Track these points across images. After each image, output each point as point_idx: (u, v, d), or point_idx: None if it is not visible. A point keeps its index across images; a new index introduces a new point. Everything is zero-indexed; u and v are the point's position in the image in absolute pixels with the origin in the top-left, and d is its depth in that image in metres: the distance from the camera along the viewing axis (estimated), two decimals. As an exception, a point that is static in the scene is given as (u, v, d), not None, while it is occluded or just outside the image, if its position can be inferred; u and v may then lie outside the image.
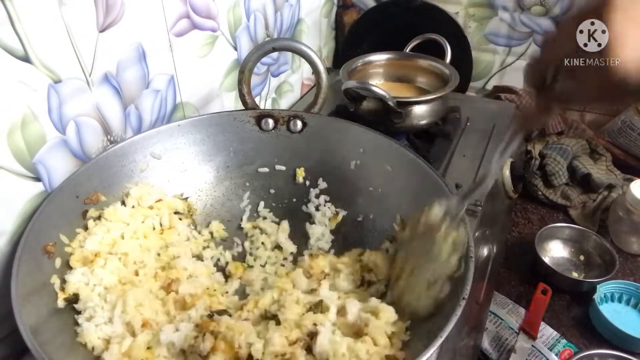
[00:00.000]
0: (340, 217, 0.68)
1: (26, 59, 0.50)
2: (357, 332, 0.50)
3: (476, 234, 0.68)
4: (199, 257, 0.64)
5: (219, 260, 0.66)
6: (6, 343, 0.55)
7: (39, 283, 0.49)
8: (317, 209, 0.69)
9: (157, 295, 0.55)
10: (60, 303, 0.50)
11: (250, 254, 0.67)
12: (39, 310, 0.47)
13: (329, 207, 0.69)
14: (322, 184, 0.70)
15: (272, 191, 0.71)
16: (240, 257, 0.67)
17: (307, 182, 0.70)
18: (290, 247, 0.67)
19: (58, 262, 0.52)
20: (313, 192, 0.70)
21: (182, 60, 0.74)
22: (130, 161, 0.63)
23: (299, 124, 0.70)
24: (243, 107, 0.73)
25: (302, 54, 0.68)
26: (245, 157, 0.71)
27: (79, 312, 0.51)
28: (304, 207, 0.70)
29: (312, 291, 0.56)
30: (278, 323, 0.51)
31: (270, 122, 0.70)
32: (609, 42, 0.35)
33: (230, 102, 0.90)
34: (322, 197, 0.69)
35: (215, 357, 0.47)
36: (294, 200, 0.70)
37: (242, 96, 0.71)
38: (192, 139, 0.68)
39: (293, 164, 0.71)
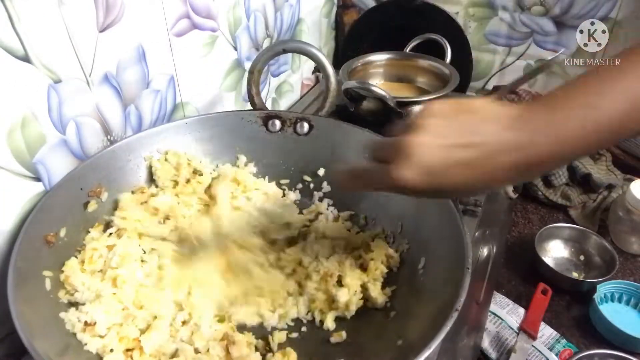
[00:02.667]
0: (342, 221, 0.68)
1: (26, 59, 0.50)
2: None
3: (476, 234, 0.68)
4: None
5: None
6: (6, 343, 0.55)
7: (38, 281, 0.49)
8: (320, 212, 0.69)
9: None
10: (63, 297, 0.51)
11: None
12: (38, 309, 0.47)
13: (331, 211, 0.69)
14: (326, 187, 0.70)
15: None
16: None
17: (311, 185, 0.70)
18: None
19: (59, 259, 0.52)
20: (317, 195, 0.70)
21: (182, 60, 0.74)
22: (137, 156, 0.63)
23: (306, 126, 0.70)
24: (244, 107, 0.73)
25: (311, 56, 0.68)
26: (250, 158, 0.71)
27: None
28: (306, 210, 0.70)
29: None
30: None
31: (277, 123, 0.70)
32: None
33: (230, 102, 0.90)
34: (326, 201, 0.69)
35: None
36: (297, 202, 0.70)
37: (250, 97, 0.71)
38: (199, 136, 0.68)
39: (298, 166, 0.71)
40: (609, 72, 0.38)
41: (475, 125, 0.38)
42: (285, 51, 0.69)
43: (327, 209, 0.69)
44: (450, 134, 0.38)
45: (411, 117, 0.41)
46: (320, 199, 0.69)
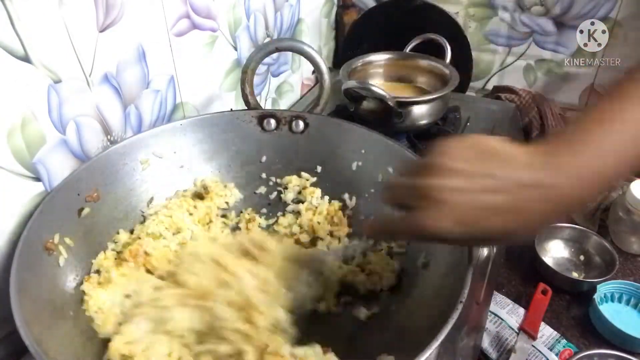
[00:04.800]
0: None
1: (26, 59, 0.50)
2: None
3: (476, 234, 0.68)
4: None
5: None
6: (6, 343, 0.55)
7: (39, 281, 0.49)
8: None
9: None
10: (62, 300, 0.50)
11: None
12: (38, 310, 0.47)
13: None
14: (324, 185, 0.70)
15: (273, 193, 0.71)
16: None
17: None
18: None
19: (61, 260, 0.52)
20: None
21: (182, 60, 0.74)
22: (132, 159, 0.63)
23: (301, 124, 0.70)
24: (244, 107, 0.73)
25: (304, 54, 0.68)
26: (247, 157, 0.71)
27: (79, 312, 0.51)
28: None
29: None
30: None
31: (272, 122, 0.70)
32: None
33: (231, 102, 0.90)
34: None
35: None
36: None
37: (244, 96, 0.71)
38: (194, 138, 0.68)
39: (295, 164, 0.71)
40: (620, 100, 0.38)
41: (498, 168, 0.37)
42: (278, 49, 0.68)
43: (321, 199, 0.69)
44: (476, 178, 0.37)
45: (427, 157, 0.39)
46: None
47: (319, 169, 0.70)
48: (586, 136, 0.37)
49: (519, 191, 0.36)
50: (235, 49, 0.87)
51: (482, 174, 0.37)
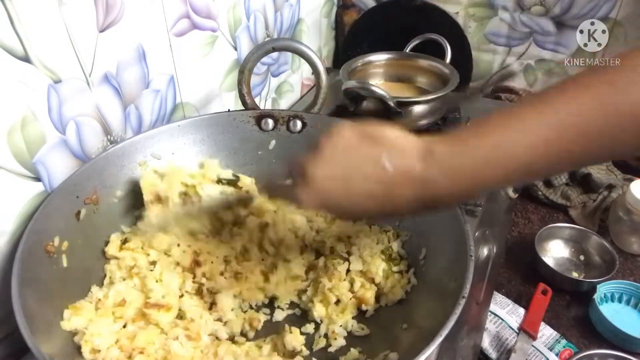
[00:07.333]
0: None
1: (26, 59, 0.50)
2: None
3: (476, 234, 0.68)
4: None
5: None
6: (6, 343, 0.55)
7: (40, 282, 0.49)
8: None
9: None
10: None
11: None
12: (39, 310, 0.47)
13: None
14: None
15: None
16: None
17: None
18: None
19: (62, 263, 0.52)
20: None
21: (182, 60, 0.74)
22: (131, 161, 0.63)
23: (299, 124, 0.70)
24: (243, 107, 0.73)
25: (301, 54, 0.68)
26: (245, 157, 0.71)
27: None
28: (303, 208, 0.70)
29: None
30: None
31: (270, 122, 0.70)
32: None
33: (230, 102, 0.90)
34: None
35: None
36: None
37: (242, 96, 0.71)
38: (192, 139, 0.68)
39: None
40: (524, 107, 0.39)
41: (379, 157, 0.39)
42: (274, 49, 0.68)
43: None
44: (352, 165, 0.40)
45: (320, 137, 0.43)
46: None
47: None
48: (476, 138, 0.38)
49: (393, 180, 0.39)
50: (235, 49, 0.87)
51: (360, 161, 0.40)
